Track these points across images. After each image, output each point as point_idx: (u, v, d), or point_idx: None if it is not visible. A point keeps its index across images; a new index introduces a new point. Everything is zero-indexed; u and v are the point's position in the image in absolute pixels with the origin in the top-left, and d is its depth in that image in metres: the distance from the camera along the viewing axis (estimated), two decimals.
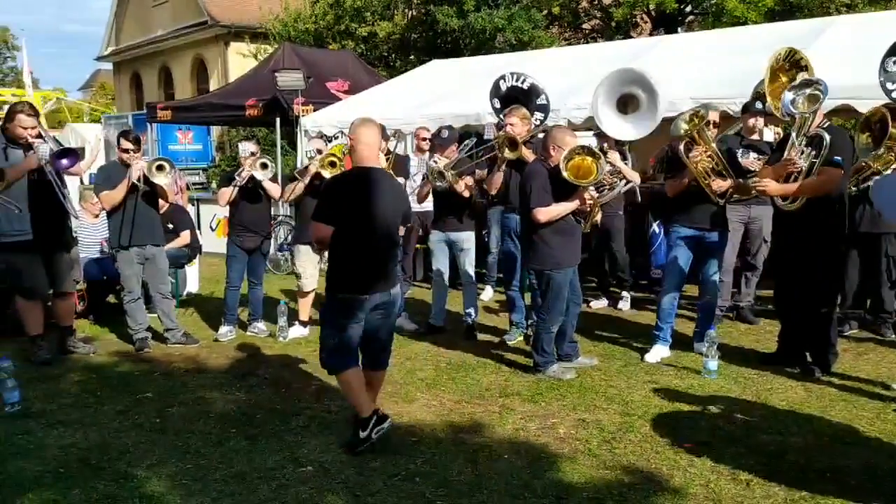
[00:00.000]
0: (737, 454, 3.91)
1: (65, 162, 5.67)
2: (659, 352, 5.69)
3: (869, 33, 7.16)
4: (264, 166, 6.50)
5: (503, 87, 6.65)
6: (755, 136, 6.17)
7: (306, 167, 6.62)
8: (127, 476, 3.82)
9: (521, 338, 6.31)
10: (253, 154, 6.50)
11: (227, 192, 6.46)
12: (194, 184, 16.42)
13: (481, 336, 6.53)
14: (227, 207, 6.65)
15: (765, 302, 6.93)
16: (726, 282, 6.49)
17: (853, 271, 6.22)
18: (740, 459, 3.84)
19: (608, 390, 5.01)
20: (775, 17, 12.98)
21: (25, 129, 5.59)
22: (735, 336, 6.30)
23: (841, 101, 6.13)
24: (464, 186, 6.23)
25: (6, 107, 7.63)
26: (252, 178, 6.47)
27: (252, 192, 6.54)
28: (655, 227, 8.12)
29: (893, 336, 6.11)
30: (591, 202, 5.24)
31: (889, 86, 5.42)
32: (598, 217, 5.48)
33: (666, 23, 18.90)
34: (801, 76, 5.20)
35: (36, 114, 5.81)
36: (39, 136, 5.67)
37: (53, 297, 6.16)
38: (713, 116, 5.49)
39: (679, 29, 18.62)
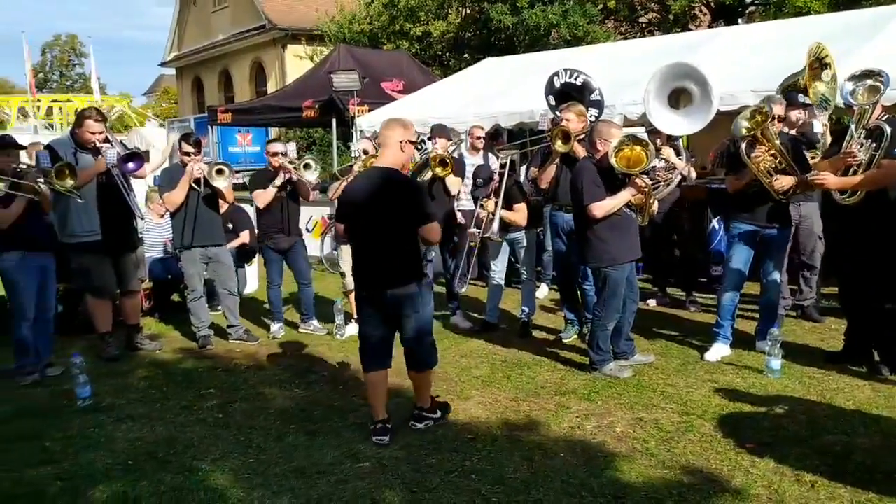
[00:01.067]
0: (801, 455, 3.82)
1: (131, 165, 5.88)
2: (719, 350, 5.58)
3: None
4: (308, 167, 6.59)
5: (557, 83, 6.63)
6: (793, 130, 5.95)
7: (350, 166, 6.69)
8: (192, 469, 3.94)
9: (577, 336, 6.27)
10: (284, 154, 6.59)
11: (267, 195, 6.52)
12: None
13: (536, 334, 6.51)
14: (262, 209, 6.67)
15: (830, 300, 6.73)
16: (783, 280, 6.31)
17: None
18: (805, 460, 3.75)
19: (666, 389, 4.95)
20: (839, 6, 12.57)
21: (93, 133, 5.80)
22: (799, 334, 6.14)
23: None
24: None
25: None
26: (290, 180, 6.54)
27: (291, 193, 6.64)
28: (715, 223, 7.96)
29: None
30: (646, 189, 5.16)
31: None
32: (655, 208, 5.38)
33: (726, 14, 18.48)
34: (826, 73, 5.08)
35: (103, 119, 6.03)
36: (107, 140, 5.88)
37: (121, 295, 6.38)
38: (778, 110, 5.33)
39: (739, 20, 18.18)
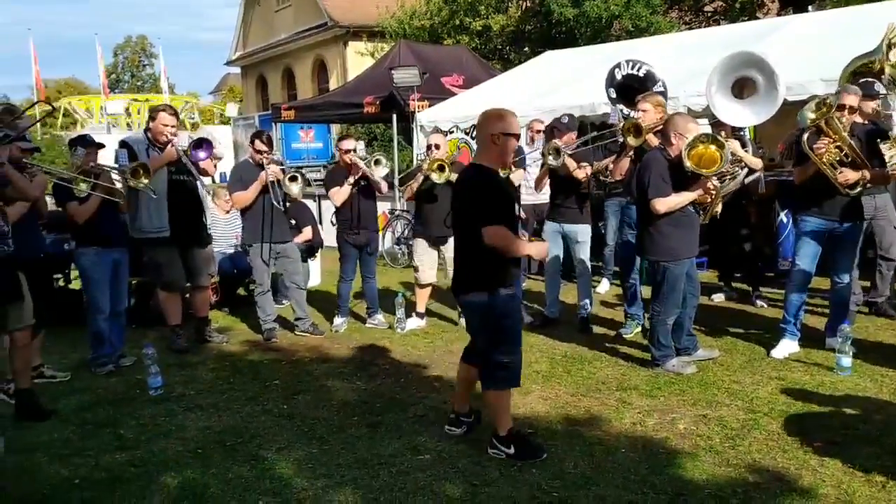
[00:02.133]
0: (872, 455, 3.71)
1: (202, 154, 6.07)
2: (787, 347, 5.44)
3: None
4: (378, 162, 6.65)
5: (618, 75, 6.54)
6: (867, 122, 5.70)
7: (419, 166, 6.73)
8: (258, 458, 4.06)
9: (639, 330, 6.20)
10: (354, 151, 6.65)
11: (344, 193, 6.61)
12: (315, 180, 17.04)
13: (597, 329, 6.46)
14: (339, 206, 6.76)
15: None
16: (855, 275, 6.10)
17: None
18: (875, 460, 3.64)
19: (731, 386, 4.85)
20: None
21: (167, 126, 6.01)
22: (871, 331, 5.94)
23: None
24: (580, 171, 6.14)
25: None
26: (363, 176, 6.61)
27: (364, 189, 6.69)
28: (783, 216, 7.76)
29: None
30: (714, 192, 5.07)
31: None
32: (719, 208, 5.30)
33: (795, 2, 17.88)
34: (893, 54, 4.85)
35: (176, 114, 6.24)
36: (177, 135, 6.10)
37: (191, 289, 6.59)
38: (849, 101, 5.14)
39: (809, 7, 17.57)
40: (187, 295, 6.64)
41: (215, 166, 6.77)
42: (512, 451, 3.89)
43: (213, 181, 10.73)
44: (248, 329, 7.06)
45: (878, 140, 5.47)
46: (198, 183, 6.23)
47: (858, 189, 5.15)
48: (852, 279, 5.69)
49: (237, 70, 34.56)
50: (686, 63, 8.14)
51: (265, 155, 6.34)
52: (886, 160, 5.20)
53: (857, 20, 8.16)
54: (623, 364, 5.45)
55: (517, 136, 3.95)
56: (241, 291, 8.25)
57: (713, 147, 4.83)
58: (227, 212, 8.12)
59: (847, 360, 4.94)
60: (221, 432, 4.48)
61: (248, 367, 5.83)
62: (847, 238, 5.28)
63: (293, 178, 6.34)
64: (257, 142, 6.42)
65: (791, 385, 4.81)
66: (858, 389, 4.68)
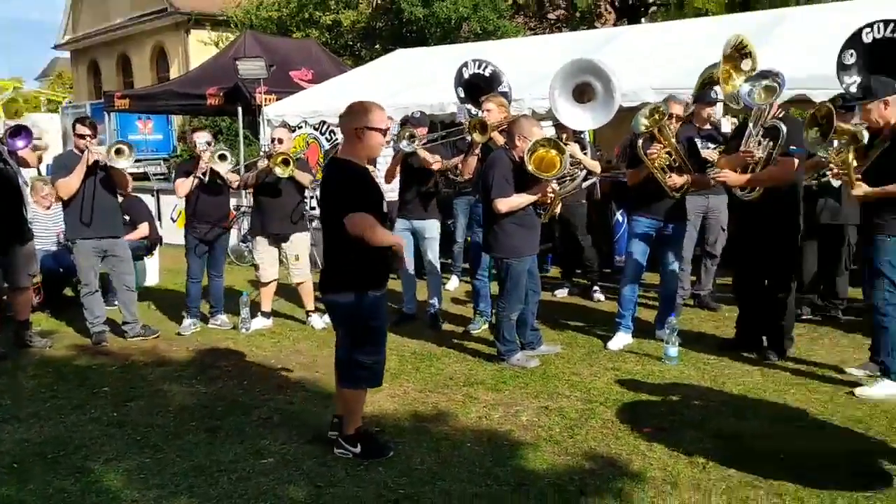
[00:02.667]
0: (694, 438, 3.98)
1: (19, 142, 5.58)
2: (621, 339, 5.75)
3: (825, 24, 7.26)
4: (223, 157, 6.40)
5: (466, 74, 6.67)
6: (707, 126, 6.21)
7: (255, 161, 6.55)
8: (83, 470, 3.76)
9: (486, 327, 6.33)
10: (209, 144, 6.39)
11: (186, 184, 6.33)
12: (154, 174, 16.17)
13: (446, 326, 6.53)
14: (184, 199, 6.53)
15: (725, 289, 7.02)
16: (686, 270, 6.57)
17: (811, 259, 6.33)
18: (698, 443, 3.91)
19: (571, 378, 5.05)
20: (735, 8, 13.15)
21: None
22: (696, 323, 6.40)
23: (797, 91, 6.22)
24: (436, 163, 6.19)
25: None
26: (212, 170, 6.35)
27: (211, 184, 6.40)
28: (619, 216, 8.20)
29: (842, 319, 6.25)
30: (553, 195, 5.26)
31: (846, 79, 5.50)
32: (558, 209, 5.52)
33: (629, 13, 19.04)
34: (746, 63, 5.26)
35: None
36: None
37: (9, 290, 6.03)
38: (676, 109, 5.55)
39: (643, 19, 18.77)
40: (5, 297, 6.07)
41: (40, 158, 6.24)
42: (358, 449, 3.83)
43: (39, 173, 9.89)
44: (74, 332, 6.55)
45: (712, 146, 5.93)
46: (16, 174, 5.69)
47: (685, 191, 5.55)
48: (681, 273, 6.12)
49: (66, 55, 32.15)
50: (531, 67, 8.39)
51: (88, 140, 5.91)
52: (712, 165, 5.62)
53: (685, 33, 8.76)
54: (470, 360, 5.54)
55: (383, 131, 3.84)
56: (67, 292, 7.64)
57: (553, 151, 5.00)
58: (48, 207, 7.49)
59: (674, 351, 5.28)
60: (42, 444, 4.11)
61: (74, 374, 5.41)
62: (673, 236, 5.67)
63: (119, 152, 5.90)
64: (79, 126, 5.97)
65: (625, 375, 5.08)
66: (683, 377, 5.02)
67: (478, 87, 6.40)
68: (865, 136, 4.58)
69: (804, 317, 6.27)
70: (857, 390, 4.55)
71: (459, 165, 6.25)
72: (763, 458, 3.71)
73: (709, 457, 3.74)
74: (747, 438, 3.98)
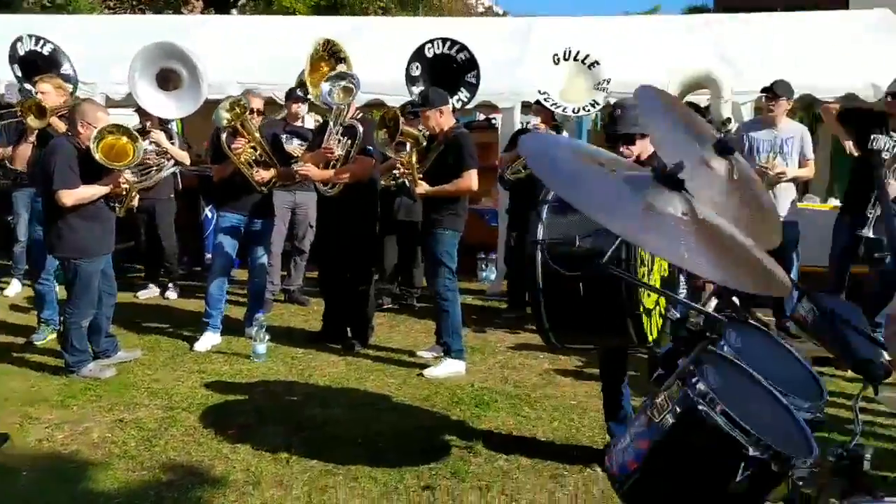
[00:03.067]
0: (279, 433, 3.98)
1: None
2: (209, 339, 5.54)
3: (400, 35, 7.89)
4: None
5: (21, 50, 5.85)
6: (298, 122, 6.36)
7: None
8: None
9: (53, 336, 5.59)
10: None
11: None
12: None
13: (3, 338, 5.63)
14: None
15: (314, 283, 7.22)
16: (275, 265, 6.60)
17: (391, 253, 6.83)
18: (283, 438, 3.92)
19: (152, 385, 4.71)
20: (321, 12, 13.73)
21: None
22: (286, 318, 6.46)
23: (374, 95, 6.67)
24: None
25: None
26: None
27: None
28: (208, 211, 7.93)
29: (417, 307, 6.85)
30: (127, 186, 4.84)
31: (413, 89, 6.05)
32: (136, 202, 5.11)
33: (218, 4, 18.71)
34: (341, 67, 5.50)
35: None
36: None
37: None
38: (256, 104, 5.54)
39: (233, 11, 18.61)
40: None
41: None
42: None
43: None
44: None
45: (298, 141, 6.01)
46: None
47: (272, 185, 5.56)
48: (272, 269, 6.13)
49: None
50: (108, 48, 7.67)
51: None
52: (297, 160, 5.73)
53: (272, 28, 8.86)
54: (33, 374, 4.85)
55: None
56: None
57: (125, 139, 4.60)
58: None
59: (262, 347, 5.25)
60: None
61: None
62: (262, 231, 5.67)
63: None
64: None
65: (212, 377, 4.89)
66: (272, 373, 5.01)
67: (35, 64, 5.63)
68: (424, 140, 5.07)
69: (385, 306, 6.74)
70: (426, 371, 5.01)
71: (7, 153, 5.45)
72: (344, 445, 3.86)
73: (292, 451, 3.76)
74: (330, 427, 4.10)
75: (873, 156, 5.33)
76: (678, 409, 1.80)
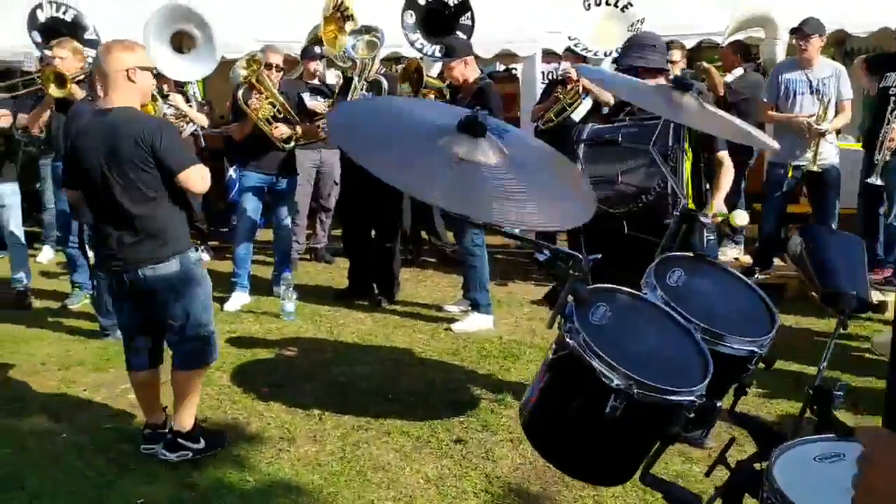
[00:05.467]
0: (310, 390, 4.04)
1: None
2: (239, 299, 5.61)
3: None
4: None
5: (41, 17, 5.83)
6: (316, 81, 6.29)
7: None
8: None
9: (88, 300, 5.69)
10: None
11: None
12: None
13: (39, 303, 5.74)
14: None
15: (339, 241, 7.25)
16: (301, 225, 6.63)
17: (408, 209, 6.79)
18: (314, 395, 3.98)
19: None
20: None
21: None
22: (312, 276, 6.51)
23: (392, 48, 6.56)
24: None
25: None
26: None
27: None
28: (232, 172, 7.94)
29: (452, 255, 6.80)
30: None
31: (410, 36, 5.97)
32: None
33: None
34: (349, 24, 5.43)
35: None
36: None
37: None
38: (274, 59, 5.46)
39: None
40: None
41: None
42: (202, 444, 3.37)
43: None
44: None
45: (321, 99, 5.96)
46: None
47: (293, 143, 5.53)
48: (297, 228, 6.15)
49: None
50: (121, 13, 7.60)
51: None
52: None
53: None
54: (68, 339, 4.95)
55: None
56: None
57: (146, 102, 4.59)
58: None
59: (291, 306, 5.30)
60: None
61: None
62: (284, 191, 5.65)
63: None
64: None
65: (242, 335, 4.96)
66: (301, 331, 5.07)
67: (58, 32, 5.62)
68: (447, 92, 5.01)
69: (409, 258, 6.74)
70: (453, 325, 5.03)
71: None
72: (374, 400, 3.91)
73: (324, 407, 3.81)
74: (360, 383, 4.15)
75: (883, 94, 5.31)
76: (555, 345, 1.94)
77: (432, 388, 4.08)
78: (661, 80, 3.37)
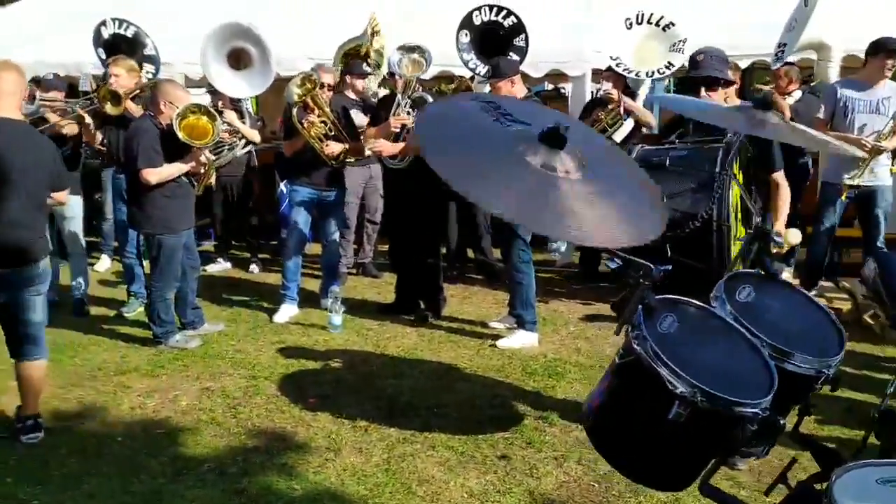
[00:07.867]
0: (357, 402, 4.09)
1: None
2: (287, 311, 5.70)
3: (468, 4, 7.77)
4: None
5: (105, 33, 6.05)
6: (356, 97, 6.36)
7: None
8: None
9: (142, 309, 5.85)
10: None
11: None
12: None
13: (95, 310, 5.92)
14: None
15: (386, 256, 7.33)
16: (349, 239, 6.72)
17: (454, 226, 6.83)
18: (360, 407, 4.02)
19: (235, 355, 4.88)
20: None
21: None
22: (359, 290, 6.58)
23: (442, 67, 6.63)
24: (68, 126, 5.54)
25: None
26: None
27: None
28: (283, 186, 8.08)
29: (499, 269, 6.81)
30: (207, 164, 5.00)
31: (465, 57, 6.03)
32: (213, 179, 5.28)
33: None
34: (377, 41, 5.53)
35: None
36: None
37: None
38: (327, 79, 5.58)
39: None
40: None
41: None
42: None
43: None
44: None
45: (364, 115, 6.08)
46: None
47: (342, 160, 5.63)
48: (345, 242, 6.23)
49: None
50: (181, 28, 7.85)
51: None
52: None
53: (343, 4, 8.82)
54: (123, 346, 5.09)
55: None
56: None
57: (205, 118, 4.75)
58: None
59: (338, 319, 5.37)
60: None
61: None
62: (332, 204, 5.74)
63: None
64: None
65: (290, 347, 5.05)
66: (348, 344, 5.13)
67: (118, 48, 5.82)
68: None
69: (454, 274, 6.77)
70: (499, 342, 5.04)
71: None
72: (419, 414, 3.94)
73: (370, 419, 3.86)
74: (405, 396, 4.19)
75: None
76: (622, 350, 1.97)
77: (477, 404, 4.09)
78: (731, 93, 3.40)
